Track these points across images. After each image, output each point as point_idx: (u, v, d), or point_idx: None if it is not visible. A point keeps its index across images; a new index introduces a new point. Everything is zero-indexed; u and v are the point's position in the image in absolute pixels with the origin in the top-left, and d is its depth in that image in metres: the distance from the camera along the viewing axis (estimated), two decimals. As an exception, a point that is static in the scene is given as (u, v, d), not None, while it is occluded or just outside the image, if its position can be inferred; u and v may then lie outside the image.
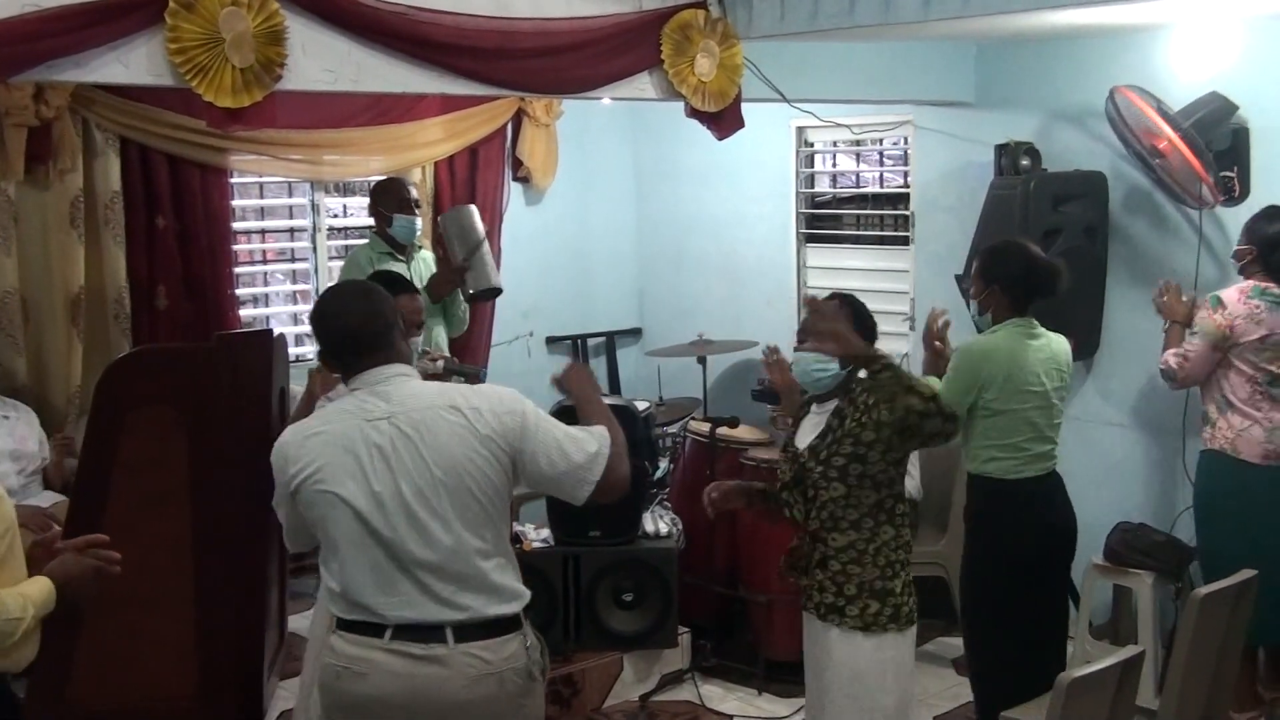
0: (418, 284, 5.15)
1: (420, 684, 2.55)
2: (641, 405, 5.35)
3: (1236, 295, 4.15)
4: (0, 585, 2.41)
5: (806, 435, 3.29)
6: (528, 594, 2.70)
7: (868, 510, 3.16)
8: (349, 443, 2.60)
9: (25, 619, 2.38)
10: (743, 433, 5.12)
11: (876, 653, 3.15)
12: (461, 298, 5.26)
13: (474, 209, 5.45)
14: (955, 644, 5.10)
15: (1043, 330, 3.83)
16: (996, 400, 3.74)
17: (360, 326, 2.70)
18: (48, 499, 4.59)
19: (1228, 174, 4.48)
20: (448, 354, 5.31)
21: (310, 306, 6.01)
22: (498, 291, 5.35)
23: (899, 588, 3.19)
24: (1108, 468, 5.03)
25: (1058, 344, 3.85)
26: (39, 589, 2.45)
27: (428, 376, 3.38)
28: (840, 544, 3.18)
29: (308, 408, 3.59)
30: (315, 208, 6.04)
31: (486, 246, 5.28)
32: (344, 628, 2.63)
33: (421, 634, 2.56)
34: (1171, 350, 4.26)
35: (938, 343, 4.04)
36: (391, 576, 2.58)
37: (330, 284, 5.72)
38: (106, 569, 2.57)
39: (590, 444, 2.67)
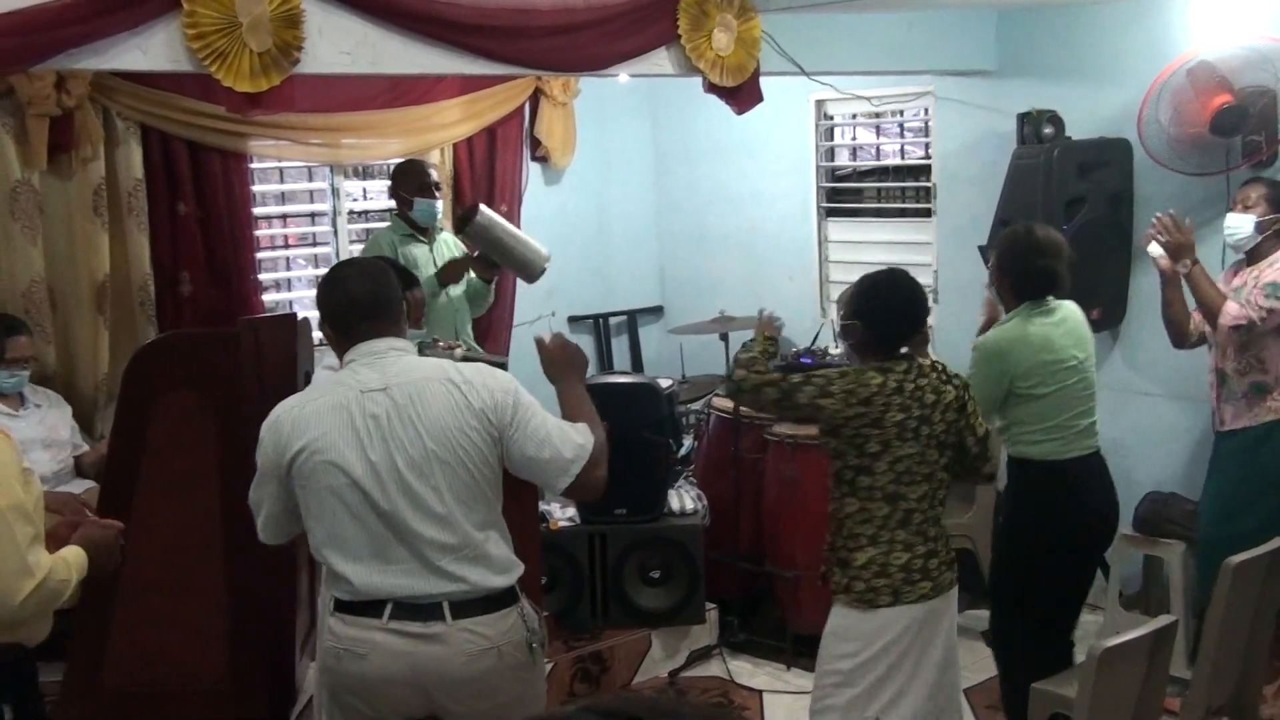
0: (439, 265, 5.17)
1: (421, 662, 2.59)
2: (664, 383, 5.34)
3: None
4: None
5: None
6: (521, 565, 2.74)
7: (834, 478, 3.25)
8: (345, 413, 2.62)
9: (71, 581, 2.54)
10: (767, 408, 5.11)
11: (836, 619, 3.24)
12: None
13: (484, 210, 5.18)
14: (984, 616, 5.09)
15: (1056, 304, 3.77)
16: (1037, 385, 3.69)
17: (364, 294, 2.74)
18: (79, 486, 4.63)
19: (1255, 138, 4.43)
20: (473, 342, 5.32)
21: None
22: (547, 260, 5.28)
23: (861, 560, 3.19)
24: (1136, 437, 4.99)
25: (1071, 312, 3.80)
26: (75, 555, 2.61)
27: None
28: (830, 510, 3.30)
29: None
30: (335, 192, 6.05)
31: (519, 234, 5.24)
32: (342, 609, 2.66)
33: (419, 612, 2.59)
34: (1236, 306, 4.06)
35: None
36: (389, 548, 2.60)
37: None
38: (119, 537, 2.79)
39: (576, 437, 2.72)
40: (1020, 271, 3.74)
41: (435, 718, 2.66)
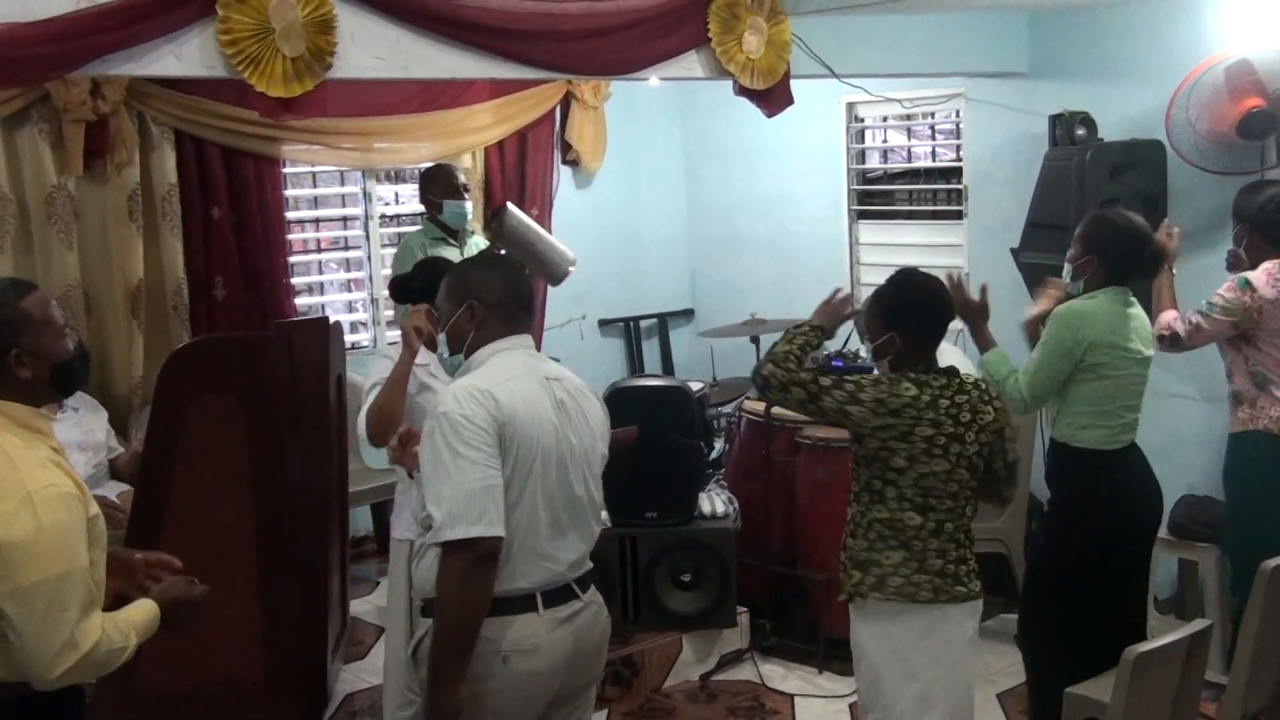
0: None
1: (576, 639, 2.66)
2: (695, 386, 5.33)
3: (1265, 278, 3.98)
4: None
5: None
6: None
7: (863, 485, 3.17)
8: (546, 394, 2.66)
9: (128, 647, 2.29)
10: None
11: (868, 621, 3.15)
12: None
13: (512, 209, 5.21)
14: (1015, 620, 5.06)
15: (1135, 302, 3.77)
16: (1102, 364, 3.65)
17: (530, 290, 2.86)
18: (114, 489, 4.67)
19: (1288, 139, 4.39)
20: None
21: (364, 294, 6.11)
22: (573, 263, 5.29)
23: (895, 560, 3.09)
24: (1170, 440, 4.94)
25: (1140, 311, 3.79)
26: (144, 614, 2.36)
27: None
28: (851, 514, 3.23)
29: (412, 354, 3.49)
30: (367, 196, 6.09)
31: (546, 237, 5.26)
32: (492, 610, 2.55)
33: (559, 595, 2.65)
34: (1174, 315, 4.06)
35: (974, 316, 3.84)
36: (560, 535, 2.64)
37: (385, 271, 5.78)
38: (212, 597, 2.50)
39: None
40: (1124, 259, 3.70)
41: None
